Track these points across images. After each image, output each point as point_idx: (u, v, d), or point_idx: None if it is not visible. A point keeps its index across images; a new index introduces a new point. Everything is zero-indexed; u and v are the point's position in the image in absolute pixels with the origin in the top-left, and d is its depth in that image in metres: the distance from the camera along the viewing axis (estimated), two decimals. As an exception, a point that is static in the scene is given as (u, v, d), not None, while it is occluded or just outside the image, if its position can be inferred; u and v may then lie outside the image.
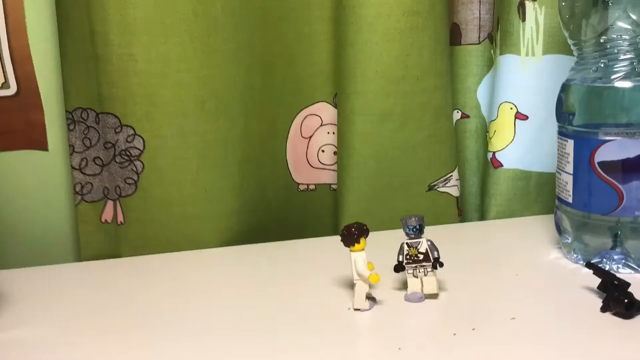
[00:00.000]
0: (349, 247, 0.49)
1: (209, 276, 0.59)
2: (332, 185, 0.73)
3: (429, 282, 0.50)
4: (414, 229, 0.49)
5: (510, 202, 0.70)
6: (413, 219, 0.49)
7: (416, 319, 0.48)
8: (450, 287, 0.52)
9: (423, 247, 0.49)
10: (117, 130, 0.62)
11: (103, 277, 0.60)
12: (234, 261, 0.62)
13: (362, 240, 0.48)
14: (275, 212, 0.71)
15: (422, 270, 0.49)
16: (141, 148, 0.62)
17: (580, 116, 0.53)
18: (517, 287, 0.53)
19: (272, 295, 0.54)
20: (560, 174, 0.56)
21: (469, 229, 0.69)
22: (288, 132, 0.70)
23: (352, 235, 0.48)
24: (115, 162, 0.64)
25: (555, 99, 0.56)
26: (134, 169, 0.63)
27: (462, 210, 0.73)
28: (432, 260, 0.49)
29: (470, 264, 0.58)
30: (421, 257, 0.49)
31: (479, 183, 0.74)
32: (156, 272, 0.60)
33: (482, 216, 0.73)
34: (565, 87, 0.55)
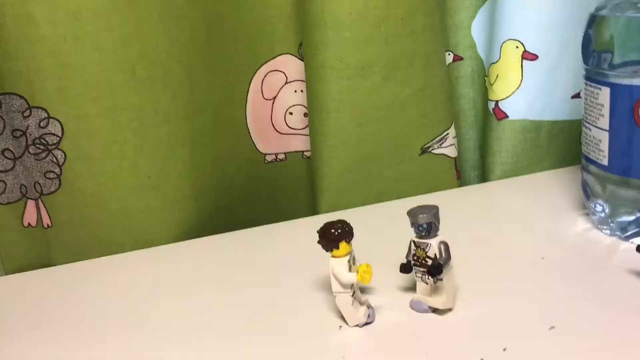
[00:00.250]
0: (328, 251, 0.38)
1: (165, 277, 0.48)
2: (304, 153, 0.61)
3: (436, 295, 0.39)
4: (421, 229, 0.37)
5: (517, 159, 0.59)
6: (421, 215, 0.37)
7: (426, 336, 0.38)
8: (463, 285, 0.42)
9: (432, 251, 0.37)
10: (25, 115, 0.49)
11: (33, 291, 0.50)
12: (195, 257, 0.52)
13: (342, 245, 0.37)
14: (240, 191, 0.60)
15: (431, 277, 0.38)
16: (59, 134, 0.49)
17: (618, 57, 0.41)
18: (547, 278, 0.43)
19: (243, 298, 0.44)
20: (589, 129, 0.45)
21: (472, 195, 0.58)
22: (247, 95, 0.58)
23: (329, 239, 0.37)
24: (29, 153, 0.51)
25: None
26: (54, 160, 0.50)
27: (459, 171, 0.61)
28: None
29: (481, 247, 0.47)
30: (429, 262, 0.38)
31: (478, 137, 0.63)
32: (99, 279, 0.50)
33: (484, 175, 0.62)
34: (594, 20, 0.43)
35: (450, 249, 0.38)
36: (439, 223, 0.38)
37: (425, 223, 0.37)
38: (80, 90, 0.48)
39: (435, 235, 0.38)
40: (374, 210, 0.56)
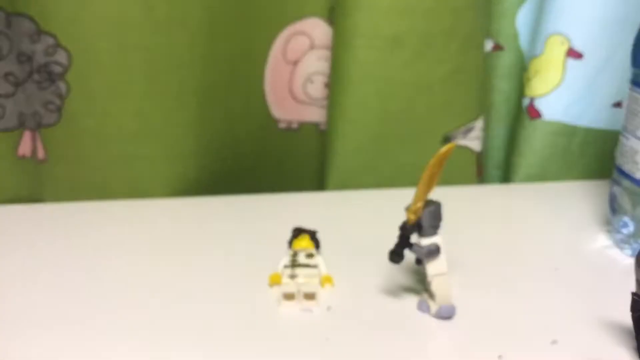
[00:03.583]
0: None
1: (152, 233, 0.46)
2: (320, 125, 0.57)
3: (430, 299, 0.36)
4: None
5: (545, 163, 0.56)
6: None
7: (421, 331, 0.35)
8: (469, 284, 0.39)
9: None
10: (34, 39, 0.46)
11: (18, 224, 0.48)
12: (188, 216, 0.49)
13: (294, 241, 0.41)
14: (247, 155, 0.57)
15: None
16: (65, 64, 0.47)
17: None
18: (557, 290, 0.39)
19: (226, 266, 0.41)
20: (627, 138, 0.41)
21: (491, 195, 0.55)
22: (267, 55, 0.54)
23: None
24: (33, 80, 0.48)
25: (623, 35, 0.43)
26: (57, 91, 0.48)
27: (481, 168, 0.58)
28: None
29: (494, 249, 0.44)
30: None
31: (507, 135, 0.59)
32: (84, 223, 0.48)
33: (507, 176, 0.58)
34: (653, 18, 0.39)
35: (439, 252, 0.35)
36: (436, 223, 0.34)
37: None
38: (93, 21, 0.46)
39: (430, 235, 0.35)
40: (383, 195, 0.53)
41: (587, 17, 0.50)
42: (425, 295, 0.37)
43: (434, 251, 0.34)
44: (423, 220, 0.34)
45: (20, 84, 0.50)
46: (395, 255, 0.35)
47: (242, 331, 0.35)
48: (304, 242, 0.41)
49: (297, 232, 0.42)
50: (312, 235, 0.42)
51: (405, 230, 0.34)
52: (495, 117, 0.59)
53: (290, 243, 0.41)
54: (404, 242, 0.34)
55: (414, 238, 0.35)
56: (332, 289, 0.38)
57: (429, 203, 0.34)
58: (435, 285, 0.35)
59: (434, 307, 0.36)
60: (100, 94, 0.48)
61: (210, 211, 0.50)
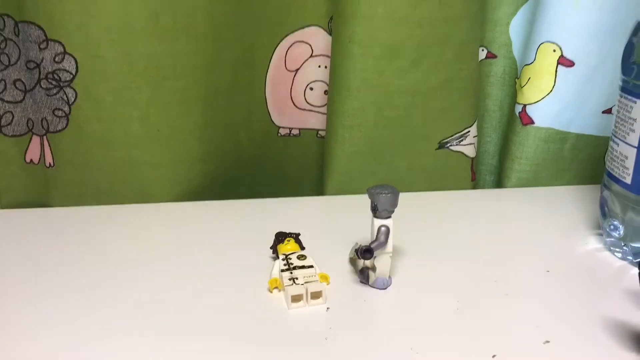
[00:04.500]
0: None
1: (157, 236, 0.47)
2: (319, 132, 0.59)
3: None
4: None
5: (537, 168, 0.57)
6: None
7: (414, 331, 0.36)
8: (461, 286, 0.40)
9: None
10: (41, 46, 0.48)
11: (26, 228, 0.49)
12: (192, 220, 0.50)
13: (279, 246, 0.42)
14: (249, 160, 0.58)
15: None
16: (73, 71, 0.48)
17: (660, 70, 0.39)
18: (549, 291, 0.41)
19: (227, 268, 0.42)
20: (617, 144, 0.43)
21: (485, 199, 0.56)
22: (269, 63, 0.56)
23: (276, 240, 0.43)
24: (41, 87, 0.49)
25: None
26: (64, 97, 0.49)
27: (475, 173, 0.59)
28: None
29: (487, 251, 0.45)
30: None
31: (500, 141, 0.61)
32: (91, 227, 0.49)
33: (500, 181, 0.60)
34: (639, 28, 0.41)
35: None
36: (390, 208, 0.38)
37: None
38: (99, 29, 0.47)
39: (384, 218, 0.38)
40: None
41: (578, 26, 0.51)
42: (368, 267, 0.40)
43: (387, 233, 0.38)
44: (379, 205, 0.38)
45: (28, 91, 0.51)
46: (367, 253, 0.38)
47: (244, 332, 0.36)
48: (291, 245, 0.42)
49: (282, 237, 0.42)
50: (296, 237, 0.43)
51: (361, 249, 0.38)
52: (488, 123, 0.61)
53: (274, 248, 0.42)
54: (367, 250, 0.38)
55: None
56: (331, 290, 0.40)
57: (386, 189, 0.38)
58: (379, 261, 0.39)
59: (372, 277, 0.40)
60: (106, 100, 0.49)
61: (212, 215, 0.51)
